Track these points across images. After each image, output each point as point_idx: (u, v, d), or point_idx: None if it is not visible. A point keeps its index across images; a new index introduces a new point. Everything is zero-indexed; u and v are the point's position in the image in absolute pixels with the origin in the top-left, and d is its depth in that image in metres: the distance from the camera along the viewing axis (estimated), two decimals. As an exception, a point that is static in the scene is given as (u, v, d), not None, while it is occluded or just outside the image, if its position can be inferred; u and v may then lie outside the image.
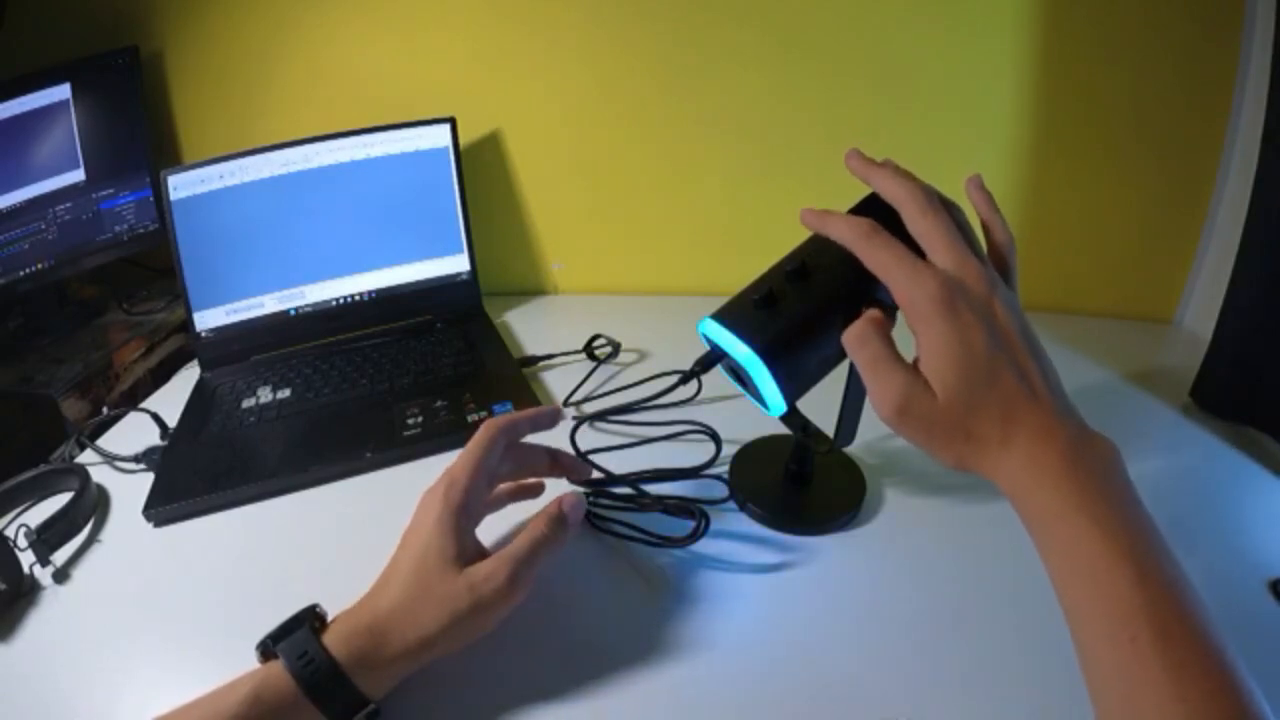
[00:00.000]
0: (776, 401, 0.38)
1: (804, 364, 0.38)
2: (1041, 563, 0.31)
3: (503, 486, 0.47)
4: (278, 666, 0.34)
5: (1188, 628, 0.26)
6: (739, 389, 0.43)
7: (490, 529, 0.45)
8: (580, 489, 0.50)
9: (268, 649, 0.35)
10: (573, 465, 0.49)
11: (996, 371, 0.32)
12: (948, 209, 0.36)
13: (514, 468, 0.46)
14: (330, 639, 0.35)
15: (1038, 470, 0.31)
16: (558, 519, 0.41)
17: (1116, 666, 0.27)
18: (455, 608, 0.36)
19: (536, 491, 0.50)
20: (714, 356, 0.40)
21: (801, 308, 0.37)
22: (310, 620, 0.36)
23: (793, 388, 0.38)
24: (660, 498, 0.50)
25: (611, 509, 0.50)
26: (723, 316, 0.39)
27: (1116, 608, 0.27)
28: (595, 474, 0.52)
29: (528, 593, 0.38)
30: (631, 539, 0.48)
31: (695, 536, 0.46)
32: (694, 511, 0.47)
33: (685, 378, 0.44)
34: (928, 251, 0.34)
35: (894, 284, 0.34)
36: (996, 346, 0.32)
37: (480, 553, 0.39)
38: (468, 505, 0.39)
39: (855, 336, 0.35)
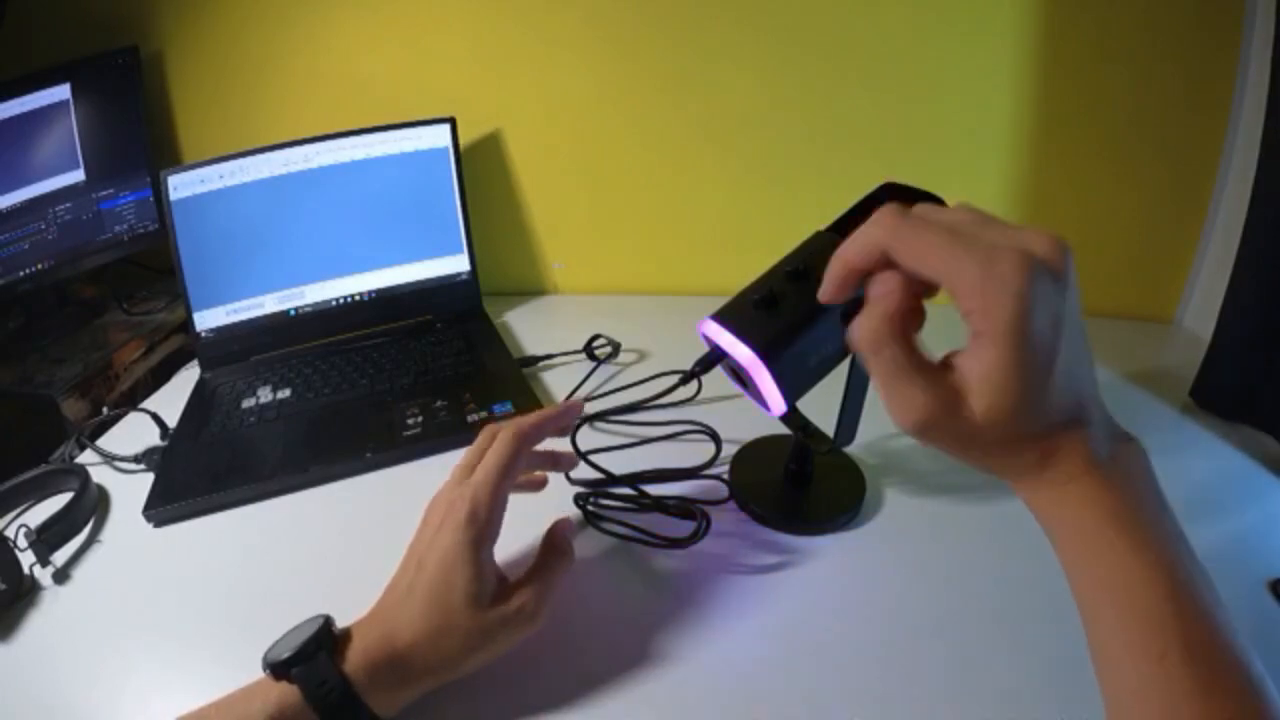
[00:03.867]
0: (777, 402, 0.38)
1: (804, 364, 0.38)
2: (1065, 573, 0.29)
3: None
4: (293, 690, 0.33)
5: (1217, 644, 0.25)
6: (739, 389, 0.43)
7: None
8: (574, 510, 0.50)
9: (280, 670, 0.33)
10: (563, 459, 0.48)
11: (1056, 393, 0.27)
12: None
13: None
14: (350, 665, 0.34)
15: (1068, 483, 0.28)
16: (565, 542, 0.42)
17: (1143, 682, 0.26)
18: (485, 640, 0.36)
19: (540, 485, 0.49)
20: (714, 357, 0.40)
21: (802, 308, 0.37)
22: (327, 643, 0.34)
23: (793, 388, 0.38)
24: (660, 499, 0.50)
25: (611, 509, 0.50)
26: (723, 317, 0.39)
27: (1146, 623, 0.26)
28: (595, 474, 0.52)
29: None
30: (632, 540, 0.48)
31: (696, 537, 0.46)
32: (694, 512, 0.47)
33: (685, 378, 0.44)
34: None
35: (949, 274, 0.26)
36: (1061, 356, 0.26)
37: (499, 575, 0.39)
38: (492, 533, 0.38)
39: (869, 341, 0.28)
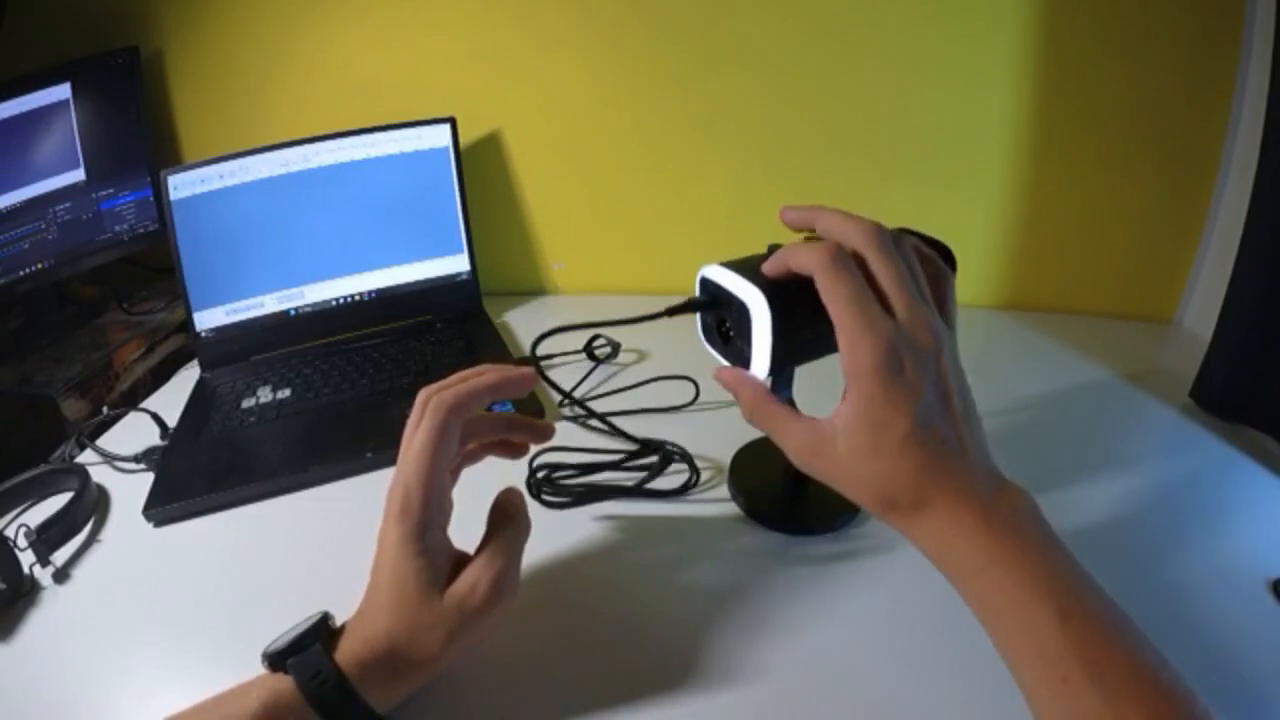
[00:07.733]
0: (763, 358, 0.37)
1: (799, 330, 0.37)
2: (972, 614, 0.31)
3: (471, 446, 0.42)
4: (288, 682, 0.33)
5: (1116, 657, 0.27)
6: (713, 353, 0.42)
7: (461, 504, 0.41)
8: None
9: (277, 662, 0.34)
10: (531, 426, 0.43)
11: (925, 438, 0.31)
12: (898, 244, 0.34)
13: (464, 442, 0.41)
14: (342, 656, 0.34)
15: (954, 529, 0.31)
16: (512, 507, 0.40)
17: (1056, 707, 0.28)
18: (449, 628, 0.35)
19: (520, 451, 0.44)
20: (704, 301, 0.39)
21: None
22: (323, 635, 0.35)
23: (782, 349, 0.37)
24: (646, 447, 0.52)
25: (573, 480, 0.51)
26: (730, 264, 0.38)
27: (1044, 651, 0.28)
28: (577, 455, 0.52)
29: (516, 591, 0.37)
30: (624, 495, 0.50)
31: (690, 486, 0.48)
32: (666, 454, 0.49)
33: (669, 312, 0.41)
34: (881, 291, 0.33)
35: (839, 325, 0.32)
36: (933, 410, 0.31)
37: (456, 559, 0.37)
38: (430, 519, 0.36)
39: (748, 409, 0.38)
